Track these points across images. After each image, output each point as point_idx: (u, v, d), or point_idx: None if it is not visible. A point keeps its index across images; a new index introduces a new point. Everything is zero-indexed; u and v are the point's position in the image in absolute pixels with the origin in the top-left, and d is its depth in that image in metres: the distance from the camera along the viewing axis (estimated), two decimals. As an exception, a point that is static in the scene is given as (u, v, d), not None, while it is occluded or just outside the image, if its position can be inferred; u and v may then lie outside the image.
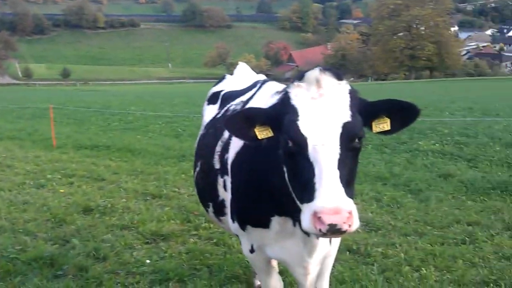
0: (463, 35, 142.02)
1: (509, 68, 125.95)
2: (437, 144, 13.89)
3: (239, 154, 3.81)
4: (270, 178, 3.46)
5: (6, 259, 6.54)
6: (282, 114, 3.04)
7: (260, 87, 4.38)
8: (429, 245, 7.03)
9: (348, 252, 6.80)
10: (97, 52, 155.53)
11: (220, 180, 4.15)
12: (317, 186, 2.78)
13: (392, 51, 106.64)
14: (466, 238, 7.24)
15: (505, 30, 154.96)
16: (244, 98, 4.55)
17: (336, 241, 4.16)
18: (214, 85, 5.81)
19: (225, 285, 5.97)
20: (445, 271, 6.21)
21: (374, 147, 14.08)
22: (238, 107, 4.41)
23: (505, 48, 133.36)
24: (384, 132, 3.25)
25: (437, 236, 7.37)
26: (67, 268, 6.33)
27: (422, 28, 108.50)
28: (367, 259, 6.61)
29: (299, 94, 3.00)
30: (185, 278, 6.13)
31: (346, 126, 2.90)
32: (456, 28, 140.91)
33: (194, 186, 5.12)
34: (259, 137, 3.15)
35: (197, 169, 4.79)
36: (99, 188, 10.53)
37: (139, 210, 8.84)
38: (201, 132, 5.22)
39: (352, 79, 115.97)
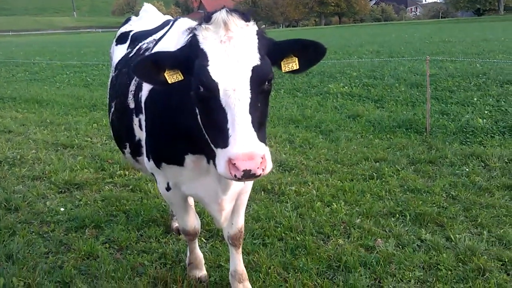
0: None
1: (413, 13, 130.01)
2: (346, 87, 14.29)
3: (152, 92, 3.78)
4: (183, 118, 3.45)
5: None
6: (192, 58, 2.99)
7: (172, 24, 4.32)
8: (339, 181, 7.34)
9: (263, 192, 6.99)
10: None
11: (136, 120, 4.11)
12: (230, 132, 2.80)
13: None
14: (374, 174, 7.61)
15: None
16: (156, 36, 4.48)
17: None
18: (121, 26, 5.68)
19: (143, 229, 6.00)
20: (354, 205, 6.53)
21: (286, 91, 14.34)
22: (151, 45, 4.35)
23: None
24: (293, 72, 3.26)
25: (346, 173, 7.70)
26: (-22, 219, 6.15)
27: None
28: (281, 198, 6.83)
29: (207, 37, 2.96)
30: (101, 224, 6.10)
31: (255, 70, 2.89)
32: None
33: (110, 127, 5.04)
34: (169, 81, 3.11)
35: (112, 109, 4.71)
36: (6, 140, 10.14)
37: (50, 161, 8.63)
38: (112, 73, 5.11)
39: (263, 26, 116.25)
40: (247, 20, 2.99)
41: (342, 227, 5.94)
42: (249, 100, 2.84)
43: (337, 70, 16.53)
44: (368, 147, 9.03)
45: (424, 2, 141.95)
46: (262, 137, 2.87)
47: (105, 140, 10.04)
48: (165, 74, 3.09)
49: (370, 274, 4.93)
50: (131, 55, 4.71)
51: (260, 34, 3.05)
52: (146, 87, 3.85)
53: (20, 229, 5.94)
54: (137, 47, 4.68)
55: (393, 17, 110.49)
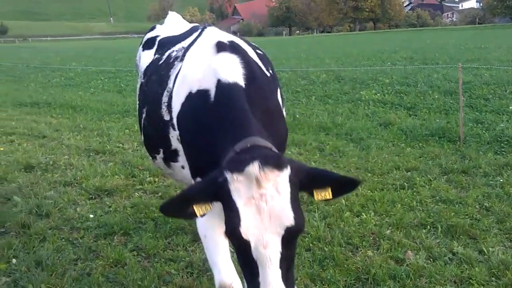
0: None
1: (450, 19, 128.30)
2: (378, 94, 14.16)
3: (185, 107, 3.73)
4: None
5: None
6: (223, 198, 2.83)
7: (201, 33, 4.30)
8: (369, 191, 7.24)
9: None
10: (34, 7, 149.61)
11: (172, 132, 4.05)
12: (261, 283, 2.74)
13: (335, 2, 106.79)
14: (405, 184, 7.49)
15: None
16: (185, 44, 4.46)
17: None
18: (147, 32, 5.69)
19: (171, 237, 6.01)
20: (384, 215, 6.43)
21: (317, 98, 14.27)
22: (180, 53, 4.33)
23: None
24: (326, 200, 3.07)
25: (377, 183, 7.60)
26: (9, 226, 6.24)
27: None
28: (309, 207, 6.76)
29: (239, 191, 2.75)
30: (130, 231, 6.14)
31: (289, 229, 2.73)
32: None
33: (141, 132, 5.04)
34: (198, 214, 2.95)
35: (143, 115, 4.70)
36: (40, 146, 10.33)
37: (82, 166, 8.73)
38: (141, 79, 5.11)
39: (298, 32, 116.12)
40: (280, 168, 2.76)
41: (371, 238, 5.85)
42: (280, 255, 2.74)
43: (370, 77, 16.39)
44: (400, 155, 8.91)
45: (460, 7, 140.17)
46: (290, 282, 2.80)
47: (136, 146, 10.12)
48: (194, 207, 2.94)
49: (400, 287, 4.83)
50: (160, 62, 4.69)
51: (294, 174, 2.81)
52: (178, 102, 3.82)
53: (50, 235, 6.01)
54: (166, 54, 4.65)
55: (429, 23, 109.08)
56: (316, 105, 13.39)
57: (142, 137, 5.01)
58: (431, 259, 5.35)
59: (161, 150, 4.47)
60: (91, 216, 6.57)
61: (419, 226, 6.13)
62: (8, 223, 6.29)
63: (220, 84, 3.40)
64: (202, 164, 3.57)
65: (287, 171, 2.74)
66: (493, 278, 4.94)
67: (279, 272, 2.73)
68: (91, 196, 7.39)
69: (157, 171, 7.95)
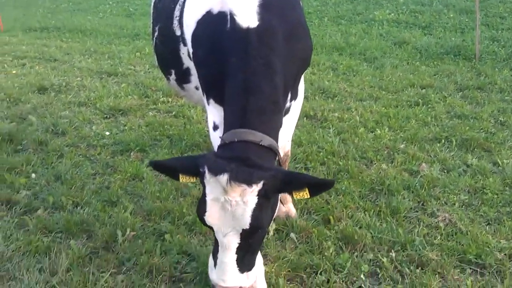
0: None
1: None
2: (392, 14, 13.81)
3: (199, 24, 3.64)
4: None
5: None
6: (201, 183, 3.00)
7: None
8: (383, 108, 7.21)
9: (305, 118, 6.92)
10: None
11: (183, 49, 4.01)
12: (218, 256, 3.01)
13: None
14: (419, 100, 7.44)
15: None
16: None
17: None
18: None
19: (186, 153, 6.05)
20: (398, 131, 6.42)
21: (330, 19, 14.00)
22: None
23: None
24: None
25: (391, 100, 7.56)
26: (27, 143, 6.31)
27: None
28: (323, 124, 6.77)
29: (211, 186, 2.90)
30: (146, 148, 6.18)
31: (245, 231, 2.91)
32: None
33: (153, 53, 4.99)
34: (181, 181, 3.16)
35: (156, 34, 4.64)
36: (52, 68, 10.29)
37: (95, 88, 8.72)
38: None
39: None
40: (249, 184, 2.82)
41: (385, 152, 5.87)
42: (237, 245, 2.96)
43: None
44: (414, 74, 8.80)
45: None
46: (245, 264, 3.05)
47: (148, 69, 10.06)
48: (180, 175, 3.13)
49: (414, 197, 4.88)
50: None
51: (267, 186, 2.89)
52: (193, 17, 3.72)
53: (67, 152, 6.08)
54: None
55: None
56: (329, 26, 13.14)
57: (155, 57, 4.97)
58: (445, 171, 5.39)
59: (173, 71, 4.45)
60: (107, 133, 6.61)
61: (433, 140, 6.14)
62: (25, 141, 6.35)
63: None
64: (212, 83, 3.61)
65: (256, 187, 2.84)
66: (507, 188, 4.99)
67: (234, 256, 2.98)
68: (105, 115, 7.41)
69: (170, 91, 7.94)
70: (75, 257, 4.04)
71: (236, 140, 3.05)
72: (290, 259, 3.94)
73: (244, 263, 3.05)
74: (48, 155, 5.98)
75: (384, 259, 3.92)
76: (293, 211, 4.60)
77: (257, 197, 2.86)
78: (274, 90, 3.24)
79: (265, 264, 3.69)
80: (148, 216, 4.70)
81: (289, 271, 3.84)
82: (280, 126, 3.40)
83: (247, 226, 2.88)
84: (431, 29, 12.07)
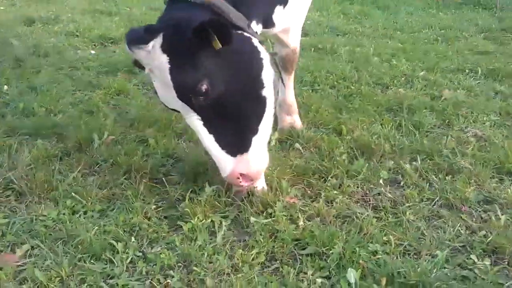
0: None
1: None
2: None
3: None
4: None
5: None
6: None
7: None
8: (399, 43, 6.58)
9: (312, 49, 6.28)
10: None
11: None
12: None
13: None
14: (439, 38, 6.81)
15: None
16: None
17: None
18: None
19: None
20: (417, 61, 5.78)
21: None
22: None
23: None
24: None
25: (407, 38, 6.92)
26: (3, 60, 5.68)
27: None
28: (333, 56, 6.12)
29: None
30: (135, 70, 5.52)
31: (186, 97, 2.47)
32: None
33: None
34: None
35: None
36: (41, 6, 9.57)
37: (85, 22, 8.01)
38: None
39: None
40: (144, 42, 2.39)
41: (403, 78, 5.23)
42: (203, 122, 2.55)
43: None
44: (432, 18, 8.14)
45: None
46: (238, 146, 2.63)
47: (145, 10, 9.37)
48: None
49: (438, 115, 4.23)
50: None
51: (170, 36, 2.42)
52: None
53: (47, 69, 5.43)
54: None
55: None
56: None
57: None
58: (472, 96, 4.74)
59: None
60: (92, 52, 5.98)
61: (456, 71, 5.50)
62: (3, 58, 5.70)
63: None
64: None
65: (154, 42, 2.40)
66: (544, 112, 4.34)
67: (210, 138, 2.57)
68: (94, 44, 6.75)
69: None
70: (41, 156, 3.40)
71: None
72: (294, 164, 3.30)
73: (229, 143, 2.59)
74: (25, 71, 5.33)
75: (407, 166, 3.28)
76: (298, 123, 3.99)
77: (164, 54, 2.41)
78: None
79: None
80: (131, 124, 4.05)
81: (293, 175, 3.20)
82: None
83: (177, 85, 2.45)
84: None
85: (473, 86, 4.96)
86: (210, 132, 2.56)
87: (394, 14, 8.55)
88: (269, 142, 3.53)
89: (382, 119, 4.08)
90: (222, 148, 2.58)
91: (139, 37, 2.39)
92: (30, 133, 3.82)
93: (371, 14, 8.51)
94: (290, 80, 3.94)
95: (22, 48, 6.13)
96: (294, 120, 3.98)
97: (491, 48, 6.32)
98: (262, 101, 2.63)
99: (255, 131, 2.64)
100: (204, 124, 2.55)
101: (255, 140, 2.64)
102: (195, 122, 2.56)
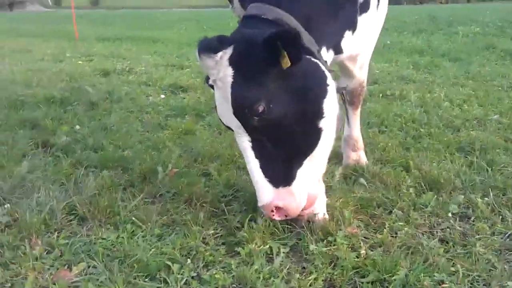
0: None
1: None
2: (478, 28, 12.95)
3: None
4: None
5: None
6: None
7: None
8: (471, 90, 6.39)
9: (380, 95, 6.20)
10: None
11: None
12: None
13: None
14: (514, 86, 6.58)
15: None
16: None
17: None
18: None
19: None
20: (490, 107, 5.58)
21: (409, 32, 13.27)
22: None
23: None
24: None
25: (480, 85, 6.72)
26: (78, 104, 5.91)
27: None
28: (402, 101, 6.01)
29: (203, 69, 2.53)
30: (203, 113, 5.63)
31: (245, 117, 2.41)
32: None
33: None
34: None
35: None
36: (118, 60, 10.03)
37: (157, 73, 8.32)
38: None
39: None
40: (214, 52, 2.35)
41: (475, 121, 5.04)
42: (252, 144, 2.49)
43: (467, 15, 15.11)
44: (505, 68, 7.91)
45: None
46: (284, 178, 2.50)
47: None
48: None
49: (512, 154, 4.03)
50: None
51: (240, 50, 2.39)
52: None
53: (118, 112, 5.60)
54: None
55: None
56: (408, 37, 12.40)
57: None
58: (552, 139, 4.49)
59: None
60: (162, 96, 6.13)
61: (533, 117, 5.24)
62: (77, 102, 5.94)
63: None
64: None
65: (222, 54, 2.34)
66: None
67: (256, 163, 2.48)
68: (164, 92, 6.94)
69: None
70: (106, 185, 3.45)
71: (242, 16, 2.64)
72: (359, 196, 3.19)
73: (275, 173, 2.48)
74: (97, 112, 5.52)
75: (479, 201, 3.11)
76: (364, 159, 3.89)
77: (230, 67, 2.35)
78: None
79: (327, 197, 2.98)
80: (195, 159, 4.07)
81: (357, 206, 3.09)
82: (331, 16, 2.79)
83: (237, 103, 2.38)
84: (521, 40, 11.13)
85: (554, 132, 4.70)
86: (256, 157, 2.48)
87: (466, 65, 8.36)
88: (332, 177, 3.50)
89: (453, 157, 3.92)
90: (265, 176, 2.48)
91: (210, 45, 2.36)
92: (97, 165, 3.91)
93: (442, 65, 8.37)
94: (356, 115, 3.88)
95: (96, 94, 6.38)
96: (360, 156, 3.89)
97: None
98: (317, 132, 2.51)
99: (303, 164, 2.53)
100: (253, 147, 2.48)
101: (302, 173, 2.52)
102: (245, 143, 2.49)
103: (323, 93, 2.49)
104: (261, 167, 2.47)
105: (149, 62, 9.84)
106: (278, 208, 2.51)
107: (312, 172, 2.57)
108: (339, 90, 2.88)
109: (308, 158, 2.53)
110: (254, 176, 2.50)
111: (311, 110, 2.47)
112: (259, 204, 2.54)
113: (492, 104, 5.65)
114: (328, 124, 2.52)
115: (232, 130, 2.55)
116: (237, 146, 2.60)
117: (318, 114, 2.47)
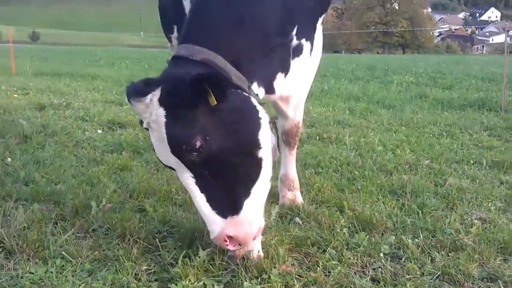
0: (436, 17, 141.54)
1: (480, 51, 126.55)
2: (411, 78, 13.50)
3: None
4: None
5: None
6: None
7: None
8: (404, 136, 6.61)
9: (317, 138, 6.32)
10: (68, 17, 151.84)
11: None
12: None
13: (366, 26, 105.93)
14: (444, 133, 6.85)
15: (477, 14, 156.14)
16: None
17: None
18: None
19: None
20: (421, 152, 5.77)
21: (347, 79, 13.68)
22: None
23: (476, 31, 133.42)
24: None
25: (412, 132, 6.96)
26: (10, 136, 5.73)
27: (396, 3, 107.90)
28: (338, 144, 6.14)
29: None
30: (140, 150, 5.57)
31: (182, 149, 2.44)
32: (429, 10, 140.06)
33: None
34: None
35: None
36: (55, 95, 9.84)
37: (96, 109, 8.19)
38: None
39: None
40: (142, 95, 2.40)
41: (407, 166, 5.20)
42: (195, 180, 2.52)
43: (402, 66, 15.72)
44: (437, 117, 8.23)
45: (491, 41, 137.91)
46: (231, 208, 2.55)
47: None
48: None
49: (442, 199, 4.17)
50: None
51: (168, 91, 2.45)
52: None
53: (52, 146, 5.48)
54: None
55: (459, 54, 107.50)
56: (345, 84, 12.76)
57: (160, 19, 4.56)
58: (477, 183, 4.68)
59: (175, 28, 4.05)
60: (99, 131, 6.04)
61: (460, 161, 5.46)
62: (10, 135, 5.78)
63: None
64: None
65: (151, 96, 2.39)
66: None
67: (202, 197, 2.52)
68: (102, 127, 6.84)
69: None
70: (36, 218, 3.35)
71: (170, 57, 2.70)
72: (294, 235, 3.22)
73: (221, 204, 2.53)
74: (30, 145, 5.38)
75: (409, 241, 3.19)
76: (299, 199, 3.94)
77: (161, 107, 2.40)
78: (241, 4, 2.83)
79: (262, 234, 2.99)
80: (131, 195, 4.01)
81: (291, 245, 3.11)
82: (262, 56, 2.89)
83: (171, 145, 2.44)
84: (452, 91, 11.62)
85: (478, 175, 4.91)
86: (201, 191, 2.52)
87: (399, 113, 8.67)
88: (269, 217, 3.52)
89: (385, 199, 4.02)
90: (213, 208, 2.52)
91: (138, 89, 2.40)
92: (28, 198, 3.81)
93: (377, 111, 8.64)
94: (293, 156, 3.93)
95: (30, 128, 6.20)
96: (296, 196, 3.93)
97: (496, 143, 6.32)
98: (257, 162, 2.58)
99: (248, 193, 2.57)
100: (196, 183, 2.51)
101: (248, 202, 2.57)
102: (188, 180, 2.52)
103: (256, 124, 2.58)
104: (207, 201, 2.51)
105: (87, 97, 9.71)
106: (230, 238, 2.54)
107: (257, 199, 2.62)
108: (271, 121, 2.94)
109: (254, 186, 2.58)
110: (202, 209, 2.53)
111: (248, 141, 2.55)
112: (211, 236, 2.56)
113: (423, 150, 5.85)
114: (266, 153, 2.60)
115: (173, 169, 2.55)
116: (182, 184, 2.61)
117: (255, 145, 2.55)
